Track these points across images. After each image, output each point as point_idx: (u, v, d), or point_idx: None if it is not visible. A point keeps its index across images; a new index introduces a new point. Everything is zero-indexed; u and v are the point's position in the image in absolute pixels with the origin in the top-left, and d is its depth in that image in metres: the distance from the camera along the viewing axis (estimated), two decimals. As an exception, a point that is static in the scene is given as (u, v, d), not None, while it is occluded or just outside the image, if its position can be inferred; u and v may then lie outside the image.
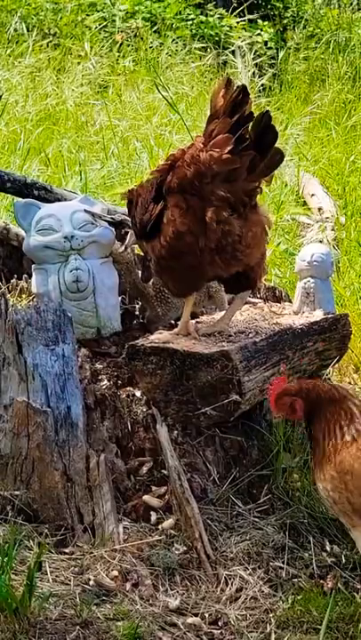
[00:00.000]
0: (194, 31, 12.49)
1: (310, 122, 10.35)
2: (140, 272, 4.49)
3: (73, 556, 3.71)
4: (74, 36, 11.90)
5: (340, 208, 8.04)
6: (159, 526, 3.88)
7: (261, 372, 4.06)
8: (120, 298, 4.55)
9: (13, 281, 4.67)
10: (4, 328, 3.90)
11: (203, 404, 4.00)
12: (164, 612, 3.53)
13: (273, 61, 12.29)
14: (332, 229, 7.52)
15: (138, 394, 4.16)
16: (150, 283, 4.49)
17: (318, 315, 4.55)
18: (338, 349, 4.59)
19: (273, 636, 3.48)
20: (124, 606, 3.51)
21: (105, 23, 12.27)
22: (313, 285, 4.63)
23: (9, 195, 5.76)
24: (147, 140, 8.63)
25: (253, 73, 11.09)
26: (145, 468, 4.04)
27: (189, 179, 3.90)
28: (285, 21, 13.72)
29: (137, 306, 4.68)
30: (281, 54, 12.27)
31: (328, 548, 3.95)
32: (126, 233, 4.53)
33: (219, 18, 12.85)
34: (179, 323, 4.27)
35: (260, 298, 4.85)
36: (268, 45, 12.67)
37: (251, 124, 3.81)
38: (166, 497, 3.94)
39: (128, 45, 11.78)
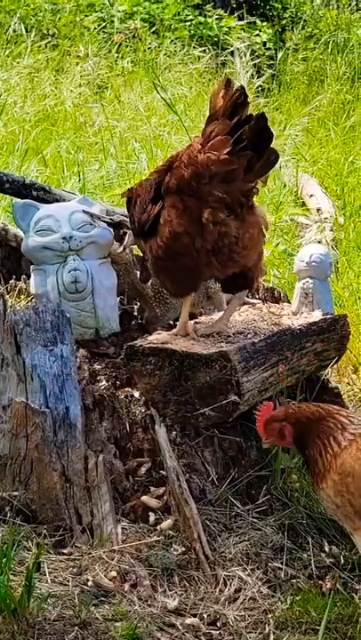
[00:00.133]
0: (192, 32, 12.51)
1: (309, 122, 10.35)
2: (138, 273, 4.49)
3: (71, 557, 3.71)
4: (72, 36, 11.91)
5: (339, 209, 8.04)
6: (158, 527, 3.87)
7: (260, 373, 4.06)
8: (118, 298, 4.55)
9: (12, 282, 4.68)
10: (3, 329, 3.89)
11: (201, 404, 4.00)
12: (162, 613, 3.53)
13: (272, 62, 12.30)
14: (331, 230, 7.51)
15: (136, 394, 4.15)
16: (149, 283, 4.48)
17: (317, 315, 4.55)
18: (337, 350, 4.58)
19: (272, 637, 3.47)
20: (123, 607, 3.50)
21: (103, 24, 12.28)
22: (312, 286, 4.63)
23: (7, 195, 5.77)
24: (145, 141, 8.63)
25: (252, 74, 11.10)
26: (143, 469, 4.04)
27: (187, 179, 3.90)
28: (284, 22, 13.73)
29: (135, 306, 4.67)
30: (280, 55, 12.28)
31: (327, 549, 3.95)
32: (125, 233, 4.53)
33: (217, 19, 12.87)
34: (177, 323, 4.27)
35: (259, 298, 4.85)
36: (267, 46, 12.69)
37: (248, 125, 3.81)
38: (165, 497, 3.94)
39: (127, 46, 11.79)
